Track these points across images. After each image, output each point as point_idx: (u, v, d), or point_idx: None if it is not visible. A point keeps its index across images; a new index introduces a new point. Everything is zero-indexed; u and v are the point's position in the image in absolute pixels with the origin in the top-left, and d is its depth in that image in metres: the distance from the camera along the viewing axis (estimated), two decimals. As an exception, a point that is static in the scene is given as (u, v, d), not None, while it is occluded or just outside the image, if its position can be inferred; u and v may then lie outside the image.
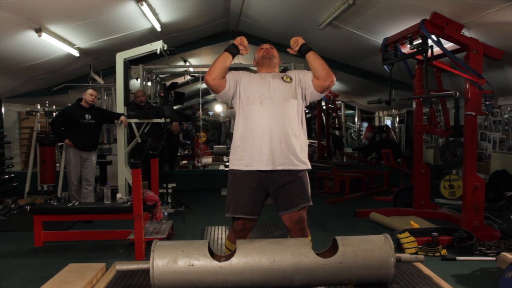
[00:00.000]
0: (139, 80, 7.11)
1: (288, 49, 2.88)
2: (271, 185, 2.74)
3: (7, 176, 6.74)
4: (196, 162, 9.92)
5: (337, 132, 11.20)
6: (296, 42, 2.83)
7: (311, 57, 2.76)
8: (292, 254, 2.60)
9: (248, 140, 2.71)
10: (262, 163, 2.68)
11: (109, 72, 7.29)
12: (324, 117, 10.75)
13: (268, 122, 2.68)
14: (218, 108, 17.91)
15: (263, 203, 2.82)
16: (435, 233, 3.96)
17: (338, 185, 7.05)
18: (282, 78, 2.79)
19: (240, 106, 2.78)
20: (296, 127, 2.75)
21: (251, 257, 2.58)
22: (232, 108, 12.74)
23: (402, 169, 7.02)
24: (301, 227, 2.77)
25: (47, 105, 6.88)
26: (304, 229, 2.79)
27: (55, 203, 4.36)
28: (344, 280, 2.69)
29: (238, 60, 10.95)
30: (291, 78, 2.80)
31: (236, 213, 2.74)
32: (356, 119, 13.73)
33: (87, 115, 5.30)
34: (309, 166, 2.79)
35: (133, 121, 5.82)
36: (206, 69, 9.56)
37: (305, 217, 2.77)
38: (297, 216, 2.73)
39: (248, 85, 2.78)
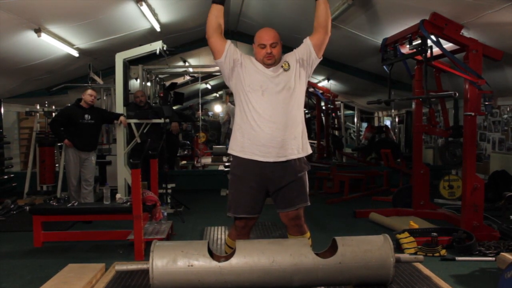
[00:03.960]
0: (138, 80, 7.12)
1: None
2: (272, 186, 2.75)
3: (6, 177, 6.74)
4: (195, 162, 9.91)
5: (336, 133, 11.19)
6: None
7: (324, 2, 2.69)
8: (292, 254, 2.59)
9: (250, 129, 2.68)
10: (263, 155, 2.67)
11: (108, 72, 7.29)
12: (323, 118, 10.75)
13: (270, 113, 2.65)
14: (218, 108, 17.91)
15: (264, 201, 2.83)
16: (435, 233, 3.96)
17: (338, 186, 7.05)
18: (282, 67, 2.72)
19: (242, 91, 2.73)
20: (297, 115, 2.73)
21: (251, 257, 2.58)
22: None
23: (402, 170, 7.02)
24: (297, 224, 2.82)
25: (46, 105, 6.88)
26: (301, 226, 2.84)
27: (54, 203, 4.35)
28: (343, 281, 2.69)
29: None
30: (289, 65, 2.73)
31: (237, 213, 2.76)
32: (355, 120, 13.73)
33: (86, 116, 5.30)
34: (309, 151, 2.80)
35: (132, 121, 5.81)
36: (205, 70, 9.60)
37: (301, 214, 2.82)
38: (294, 214, 2.79)
39: (249, 72, 2.72)
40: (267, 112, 2.66)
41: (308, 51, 2.76)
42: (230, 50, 2.73)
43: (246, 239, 2.87)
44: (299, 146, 2.72)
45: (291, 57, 2.78)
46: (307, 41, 2.78)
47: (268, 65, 2.71)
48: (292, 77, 2.72)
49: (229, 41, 2.76)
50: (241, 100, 2.74)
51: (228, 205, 2.80)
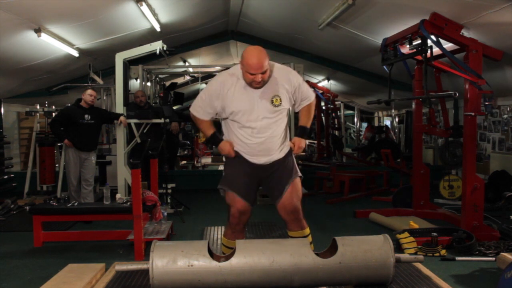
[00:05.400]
0: (138, 80, 7.11)
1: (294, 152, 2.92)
2: (262, 174, 2.88)
3: (6, 177, 6.73)
4: (195, 162, 9.92)
5: (336, 133, 11.20)
6: (300, 148, 2.88)
7: (306, 110, 2.96)
8: (292, 254, 2.60)
9: (239, 141, 2.85)
10: (252, 159, 2.86)
11: (108, 72, 7.29)
12: (323, 118, 10.76)
13: (256, 145, 2.80)
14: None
15: (256, 191, 2.96)
16: (435, 233, 3.96)
17: (338, 186, 7.05)
18: (272, 102, 2.76)
19: (225, 120, 2.89)
20: (281, 128, 2.86)
21: (251, 257, 2.58)
22: None
23: (402, 170, 7.01)
24: (296, 217, 2.87)
25: (46, 105, 6.88)
26: (299, 220, 2.89)
27: (54, 203, 4.35)
28: (343, 281, 2.69)
29: (237, 60, 10.96)
30: (281, 100, 2.77)
31: (231, 188, 2.87)
32: (355, 120, 13.74)
33: (86, 116, 5.30)
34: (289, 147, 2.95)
35: (132, 121, 5.81)
36: (205, 69, 9.58)
37: (299, 207, 2.87)
38: (291, 206, 2.83)
39: (233, 103, 2.77)
40: (253, 144, 2.80)
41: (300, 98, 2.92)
42: (208, 111, 2.87)
43: (241, 237, 2.89)
44: (282, 152, 2.88)
45: (285, 88, 2.81)
46: (303, 97, 2.90)
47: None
48: (281, 112, 2.83)
49: (209, 114, 2.89)
50: (228, 126, 2.88)
51: (222, 181, 2.93)
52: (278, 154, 2.86)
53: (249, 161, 2.85)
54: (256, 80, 2.65)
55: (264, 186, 2.98)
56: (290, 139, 2.96)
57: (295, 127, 2.95)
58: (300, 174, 2.92)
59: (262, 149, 2.80)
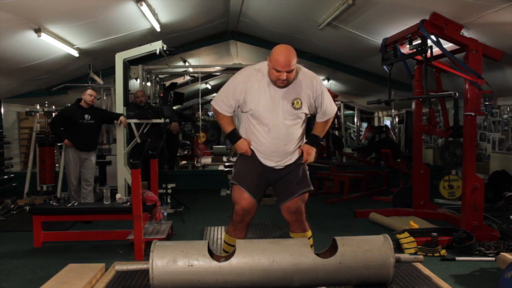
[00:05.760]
0: (138, 80, 7.12)
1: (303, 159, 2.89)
2: (273, 176, 2.88)
3: (6, 177, 6.72)
4: (195, 162, 9.92)
5: (336, 133, 11.19)
6: (309, 154, 2.87)
7: (324, 123, 2.97)
8: (292, 254, 2.60)
9: (256, 139, 2.84)
10: (265, 161, 2.86)
11: (108, 72, 7.29)
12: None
13: (271, 144, 2.80)
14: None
15: (264, 191, 2.96)
16: (435, 234, 3.96)
17: (338, 185, 7.05)
18: (293, 104, 2.76)
19: (245, 115, 2.86)
20: (298, 132, 2.85)
21: (251, 257, 2.58)
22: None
23: (402, 170, 7.02)
24: (298, 219, 2.88)
25: (46, 105, 6.87)
26: (302, 222, 2.90)
27: (54, 203, 4.35)
28: (343, 281, 2.69)
29: (237, 60, 10.96)
30: (302, 104, 2.77)
31: (240, 184, 2.85)
32: (355, 120, 13.73)
33: (86, 116, 5.30)
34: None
35: (132, 121, 5.82)
36: (205, 70, 9.57)
37: (302, 209, 2.88)
38: (294, 207, 2.84)
39: (254, 99, 2.76)
40: (269, 144, 2.79)
41: (317, 106, 2.89)
42: (232, 104, 2.83)
43: (243, 236, 2.89)
44: (295, 156, 2.88)
45: (306, 93, 2.80)
46: (324, 107, 2.88)
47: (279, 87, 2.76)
48: (300, 115, 2.82)
49: (231, 108, 2.85)
50: (249, 117, 2.84)
51: (233, 175, 2.91)
52: (291, 159, 2.85)
53: (261, 162, 2.85)
54: (281, 78, 2.65)
55: (273, 187, 2.98)
56: None
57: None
58: (311, 187, 2.92)
59: (276, 151, 2.80)
